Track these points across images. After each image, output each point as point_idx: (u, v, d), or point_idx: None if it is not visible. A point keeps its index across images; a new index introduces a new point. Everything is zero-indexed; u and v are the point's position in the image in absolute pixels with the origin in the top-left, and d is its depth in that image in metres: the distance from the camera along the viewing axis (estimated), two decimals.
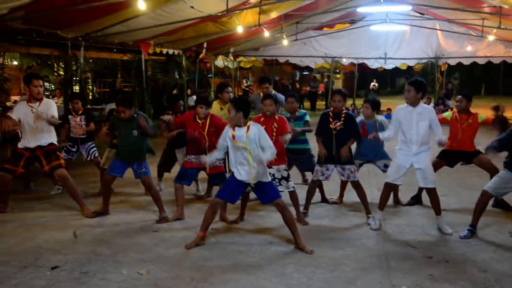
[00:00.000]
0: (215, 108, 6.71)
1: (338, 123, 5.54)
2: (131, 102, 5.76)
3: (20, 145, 5.86)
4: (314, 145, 6.18)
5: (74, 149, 7.04)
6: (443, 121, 6.22)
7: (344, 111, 5.61)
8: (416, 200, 6.35)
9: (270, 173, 5.35)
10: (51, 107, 5.87)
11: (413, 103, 5.20)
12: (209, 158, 4.92)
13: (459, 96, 6.31)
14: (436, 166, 6.22)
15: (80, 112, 7.01)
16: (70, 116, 7.00)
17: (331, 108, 5.70)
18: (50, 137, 5.90)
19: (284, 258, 4.49)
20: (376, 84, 27.54)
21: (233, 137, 4.61)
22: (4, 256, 4.51)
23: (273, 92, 7.19)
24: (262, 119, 5.52)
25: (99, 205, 5.98)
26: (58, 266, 4.24)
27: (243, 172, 4.66)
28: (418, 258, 4.49)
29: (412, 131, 5.19)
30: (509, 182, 5.02)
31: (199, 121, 5.60)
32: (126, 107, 5.55)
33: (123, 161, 5.70)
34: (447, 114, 6.37)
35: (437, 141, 5.20)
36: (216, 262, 4.39)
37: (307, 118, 6.28)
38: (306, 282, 3.97)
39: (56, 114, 5.87)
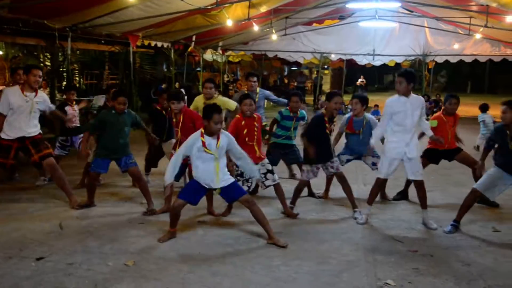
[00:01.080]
0: (200, 102, 6.66)
1: (333, 126, 5.58)
2: (126, 94, 5.79)
3: (4, 135, 5.72)
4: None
5: (68, 143, 7.04)
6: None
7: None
8: (402, 195, 6.41)
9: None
10: (46, 98, 5.95)
11: (406, 94, 5.22)
12: (168, 178, 4.65)
13: (454, 99, 6.25)
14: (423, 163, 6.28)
15: (74, 102, 7.09)
16: (67, 107, 6.96)
17: (324, 111, 5.68)
18: (38, 127, 5.87)
19: (271, 251, 4.50)
20: (364, 81, 27.65)
21: (203, 143, 4.52)
22: None
23: (258, 89, 7.16)
24: (243, 122, 5.41)
25: (83, 197, 5.92)
26: (44, 257, 4.21)
27: (208, 180, 4.60)
28: (403, 252, 4.54)
29: (407, 121, 5.20)
30: (498, 179, 5.06)
31: (174, 119, 5.64)
32: (127, 98, 5.59)
33: (109, 158, 5.67)
34: (432, 122, 6.33)
35: (430, 137, 5.26)
36: (203, 254, 4.39)
37: (305, 120, 6.34)
38: (292, 274, 3.99)
39: (50, 105, 6.00)
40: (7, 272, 3.91)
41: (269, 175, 5.49)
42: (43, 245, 4.51)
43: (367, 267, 4.17)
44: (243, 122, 5.42)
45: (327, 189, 6.54)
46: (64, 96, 7.23)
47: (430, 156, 6.32)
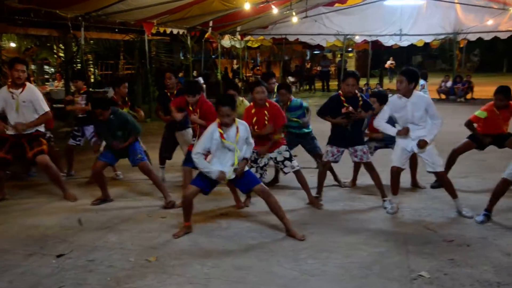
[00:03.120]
0: None
1: (351, 108, 5.48)
2: (105, 102, 5.66)
3: (8, 131, 5.79)
4: (316, 127, 6.31)
5: (79, 134, 7.07)
6: (475, 119, 6.09)
7: (359, 95, 5.58)
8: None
9: (271, 157, 5.47)
10: (35, 97, 5.74)
11: (406, 94, 5.16)
12: (216, 174, 4.57)
13: (499, 95, 5.97)
14: (465, 147, 6.18)
15: (82, 91, 7.05)
16: (72, 96, 7.05)
17: (340, 92, 5.66)
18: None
19: (297, 243, 4.50)
20: (393, 63, 27.28)
21: (221, 135, 4.53)
22: (9, 244, 4.57)
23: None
24: (253, 110, 5.44)
25: (97, 191, 5.98)
26: (64, 254, 4.29)
27: (224, 170, 4.61)
28: (437, 242, 4.49)
29: (408, 122, 5.21)
30: None
31: (190, 108, 5.57)
32: (103, 109, 5.50)
33: (115, 156, 5.78)
34: (480, 113, 6.10)
35: (417, 143, 5.17)
36: (227, 248, 4.42)
37: (305, 105, 6.28)
38: (320, 267, 3.99)
39: (42, 105, 5.77)
40: (28, 269, 4.00)
41: (286, 162, 5.52)
42: (63, 242, 4.60)
43: (399, 259, 4.14)
44: (253, 111, 5.45)
45: (354, 178, 6.51)
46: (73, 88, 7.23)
47: (476, 140, 6.20)
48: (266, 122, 5.39)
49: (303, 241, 4.53)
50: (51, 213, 5.51)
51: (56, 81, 16.10)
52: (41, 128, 5.98)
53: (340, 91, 5.68)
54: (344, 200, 5.89)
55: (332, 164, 6.00)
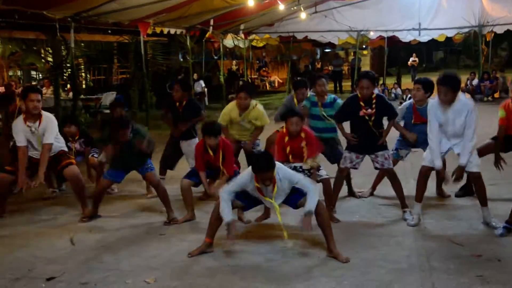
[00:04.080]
0: (234, 112, 6.45)
1: (370, 110, 5.50)
2: (128, 122, 5.75)
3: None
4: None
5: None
6: (503, 122, 6.05)
7: (374, 95, 5.58)
8: (466, 191, 6.28)
9: (297, 167, 5.37)
10: (48, 126, 5.77)
11: (451, 102, 5.12)
12: (226, 216, 4.55)
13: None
14: (489, 148, 6.15)
15: (77, 137, 6.89)
16: (68, 143, 6.78)
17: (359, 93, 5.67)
18: (59, 144, 6.02)
19: (309, 260, 4.51)
20: (416, 60, 27.17)
21: (259, 191, 4.59)
22: None
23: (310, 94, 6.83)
24: (286, 138, 5.40)
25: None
26: (55, 277, 4.29)
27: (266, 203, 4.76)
28: (464, 257, 4.47)
29: (448, 129, 5.19)
30: None
31: (211, 153, 5.55)
32: (125, 129, 5.59)
33: (124, 170, 5.84)
34: (501, 113, 6.02)
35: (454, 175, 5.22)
36: (233, 266, 4.42)
37: (340, 102, 6.22)
38: (335, 286, 3.98)
39: (49, 135, 5.76)
40: None
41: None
42: (54, 263, 4.61)
43: (422, 276, 4.13)
44: (286, 139, 5.41)
45: (373, 187, 6.50)
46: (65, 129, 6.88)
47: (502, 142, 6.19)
48: (304, 154, 5.36)
49: (315, 259, 4.53)
50: (41, 232, 5.53)
51: (44, 88, 16.21)
52: (64, 147, 6.15)
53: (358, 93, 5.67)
54: (361, 212, 5.89)
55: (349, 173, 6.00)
